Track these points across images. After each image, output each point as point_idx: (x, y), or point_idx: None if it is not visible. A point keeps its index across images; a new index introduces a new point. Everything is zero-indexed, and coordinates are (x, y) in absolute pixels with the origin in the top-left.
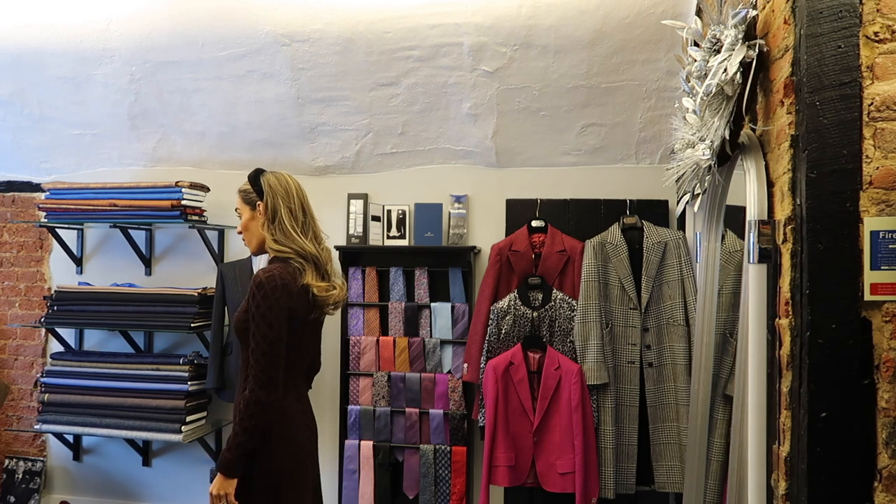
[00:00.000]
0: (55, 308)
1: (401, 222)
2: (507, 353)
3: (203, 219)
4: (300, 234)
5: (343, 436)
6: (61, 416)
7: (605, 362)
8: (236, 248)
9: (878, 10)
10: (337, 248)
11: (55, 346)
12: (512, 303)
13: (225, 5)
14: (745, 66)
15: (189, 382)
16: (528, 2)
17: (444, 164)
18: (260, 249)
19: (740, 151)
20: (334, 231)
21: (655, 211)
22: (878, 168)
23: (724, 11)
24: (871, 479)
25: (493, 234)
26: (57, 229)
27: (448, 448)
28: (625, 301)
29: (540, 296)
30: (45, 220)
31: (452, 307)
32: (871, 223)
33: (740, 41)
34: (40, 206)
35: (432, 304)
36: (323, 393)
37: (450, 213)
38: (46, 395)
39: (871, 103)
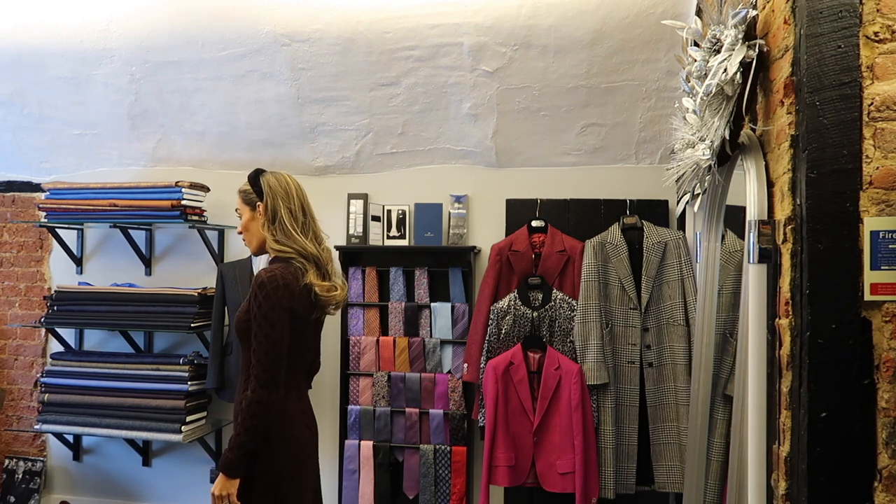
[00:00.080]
0: (55, 308)
1: (401, 222)
2: (507, 353)
3: (203, 219)
4: (300, 235)
5: (343, 436)
6: (61, 416)
7: (605, 362)
8: (236, 248)
9: (878, 10)
10: (337, 248)
11: (55, 346)
12: (512, 303)
13: (225, 5)
14: (745, 66)
15: (189, 382)
16: (528, 2)
17: (444, 164)
18: (260, 250)
19: (740, 151)
20: (334, 231)
21: (655, 211)
22: (878, 168)
23: (724, 11)
24: (871, 479)
25: (493, 234)
26: (57, 229)
27: (448, 448)
28: (625, 301)
29: (540, 296)
30: (45, 220)
31: (452, 307)
32: (871, 223)
33: (740, 41)
34: (40, 206)
35: (432, 304)
36: (323, 393)
37: (450, 213)
38: (46, 395)
39: (871, 103)
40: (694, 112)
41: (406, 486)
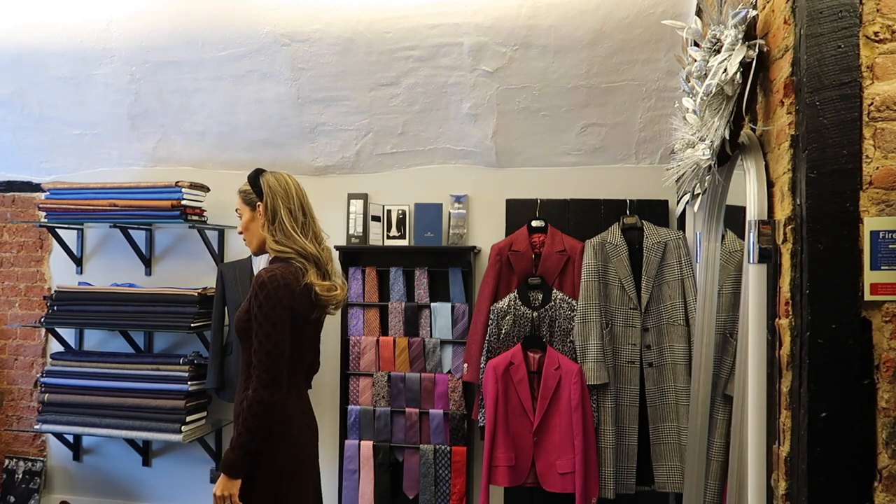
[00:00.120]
0: (55, 308)
1: (401, 222)
2: (507, 353)
3: (203, 219)
4: (300, 235)
5: (343, 436)
6: (61, 416)
7: (604, 362)
8: (236, 248)
9: (878, 10)
10: (337, 248)
11: (55, 346)
12: (512, 303)
13: (225, 5)
14: (745, 66)
15: (189, 382)
16: (528, 2)
17: (444, 164)
18: (260, 250)
19: (740, 151)
20: (334, 231)
21: (655, 211)
22: (878, 168)
23: (724, 11)
24: (871, 479)
25: (493, 234)
26: (57, 229)
27: (448, 448)
28: (625, 301)
29: (540, 296)
30: (45, 220)
31: (452, 307)
32: (871, 223)
33: (740, 41)
34: (40, 206)
35: (432, 304)
36: (323, 393)
37: (450, 213)
38: (46, 395)
39: (871, 103)
40: (694, 112)
41: (406, 486)
